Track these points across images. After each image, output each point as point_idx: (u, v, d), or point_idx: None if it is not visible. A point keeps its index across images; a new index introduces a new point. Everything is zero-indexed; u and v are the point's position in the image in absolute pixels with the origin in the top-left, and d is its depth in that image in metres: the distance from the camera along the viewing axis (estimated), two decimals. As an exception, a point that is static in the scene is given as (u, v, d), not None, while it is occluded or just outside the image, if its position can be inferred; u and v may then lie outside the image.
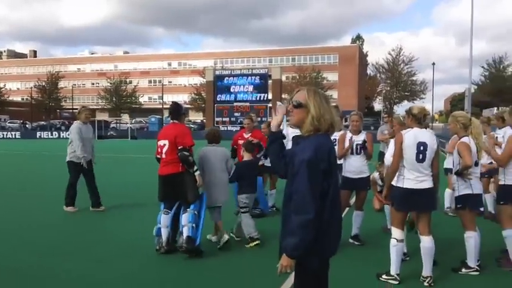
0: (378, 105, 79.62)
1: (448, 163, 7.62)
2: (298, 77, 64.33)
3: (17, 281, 4.92)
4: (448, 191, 7.93)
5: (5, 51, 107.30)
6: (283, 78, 51.80)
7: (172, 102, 6.15)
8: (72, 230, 7.25)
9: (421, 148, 4.66)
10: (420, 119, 4.77)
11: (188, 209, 5.64)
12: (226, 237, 5.92)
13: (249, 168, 6.32)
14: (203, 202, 5.83)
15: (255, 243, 6.03)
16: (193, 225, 5.59)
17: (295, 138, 2.88)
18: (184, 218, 5.59)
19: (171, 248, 5.69)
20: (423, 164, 4.67)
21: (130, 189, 11.68)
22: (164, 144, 5.67)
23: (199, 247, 5.67)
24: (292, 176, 2.51)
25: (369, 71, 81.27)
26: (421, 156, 4.65)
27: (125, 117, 65.91)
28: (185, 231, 5.55)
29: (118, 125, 56.88)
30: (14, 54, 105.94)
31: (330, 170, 2.51)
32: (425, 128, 4.90)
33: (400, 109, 65.48)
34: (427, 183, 4.71)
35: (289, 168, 2.56)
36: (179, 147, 5.58)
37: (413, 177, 4.68)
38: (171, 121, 5.87)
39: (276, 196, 8.41)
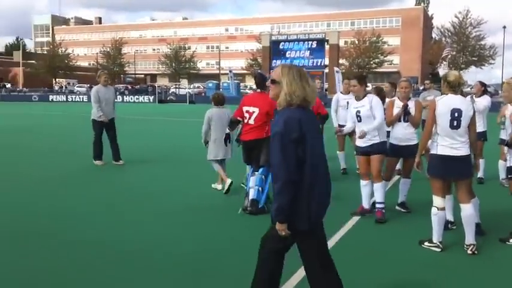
0: (442, 71, 76.13)
1: (502, 133, 7.39)
2: (357, 42, 62.54)
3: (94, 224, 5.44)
4: (501, 162, 7.72)
5: (72, 18, 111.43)
6: (341, 43, 50.59)
7: (258, 72, 6.75)
8: (131, 183, 7.79)
9: (456, 115, 4.61)
10: (455, 86, 4.70)
11: (256, 172, 6.10)
12: (229, 180, 6.84)
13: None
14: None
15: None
16: (260, 188, 6.01)
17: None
18: (252, 180, 6.06)
19: (258, 209, 5.99)
20: (458, 131, 4.63)
21: (183, 150, 12.18)
22: (253, 112, 6.10)
23: (263, 208, 5.98)
24: (270, 147, 2.79)
25: (433, 35, 77.44)
26: (455, 123, 4.61)
27: (184, 82, 67.35)
28: (251, 194, 5.96)
29: (177, 89, 58.22)
30: (81, 21, 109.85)
31: (303, 138, 2.72)
32: (462, 95, 4.85)
33: (468, 75, 62.31)
34: (463, 151, 4.66)
35: None
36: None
37: (447, 144, 4.65)
38: (257, 90, 6.34)
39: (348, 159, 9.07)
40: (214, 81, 56.80)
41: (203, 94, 53.77)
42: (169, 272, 4.23)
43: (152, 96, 50.18)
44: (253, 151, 6.17)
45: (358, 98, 5.96)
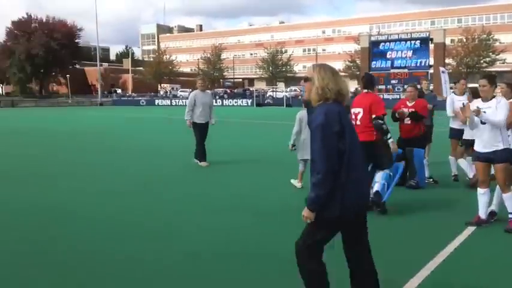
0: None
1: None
2: (465, 40, 58.60)
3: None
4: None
5: (175, 27, 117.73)
6: (447, 41, 47.65)
7: (366, 73, 6.89)
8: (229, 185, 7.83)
9: None
10: None
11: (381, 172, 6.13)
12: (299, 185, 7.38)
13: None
14: (400, 168, 6.42)
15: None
16: (385, 183, 6.08)
17: (309, 109, 3.06)
18: (379, 175, 6.09)
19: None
20: None
21: (278, 150, 12.09)
22: (359, 112, 6.15)
23: (384, 204, 5.98)
24: (311, 140, 2.85)
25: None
26: None
27: (281, 86, 67.83)
28: (376, 186, 6.02)
29: (274, 93, 58.79)
30: (183, 29, 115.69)
31: (343, 131, 2.80)
32: None
33: None
34: None
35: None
36: (373, 116, 6.04)
37: None
38: (364, 91, 6.35)
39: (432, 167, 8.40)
40: (311, 84, 56.41)
41: (300, 97, 53.66)
42: (284, 274, 3.99)
43: (250, 100, 51.12)
44: (363, 152, 6.09)
45: (485, 99, 5.49)
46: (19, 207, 6.53)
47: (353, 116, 6.23)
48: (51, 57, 70.25)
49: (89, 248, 4.80)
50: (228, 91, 64.01)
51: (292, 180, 7.72)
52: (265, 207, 6.54)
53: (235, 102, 51.95)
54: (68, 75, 68.67)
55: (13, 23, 74.22)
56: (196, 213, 6.22)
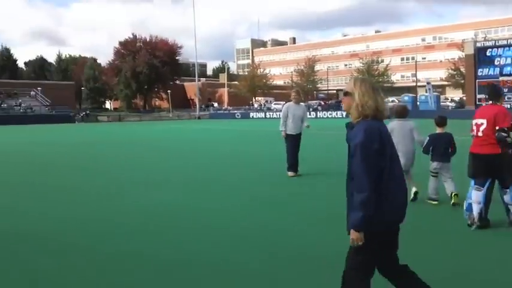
0: None
1: None
2: None
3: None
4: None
5: (269, 41, 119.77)
6: None
7: (491, 84, 6.82)
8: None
9: None
10: None
11: (508, 190, 5.69)
12: (414, 189, 6.98)
13: (440, 140, 6.95)
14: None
15: (433, 202, 6.96)
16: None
17: (349, 125, 2.96)
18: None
19: (484, 223, 5.71)
20: None
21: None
22: (481, 123, 5.83)
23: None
24: (351, 158, 2.80)
25: None
26: None
27: (377, 97, 65.54)
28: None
29: (370, 104, 56.91)
30: (277, 43, 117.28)
31: (383, 148, 2.78)
32: None
33: None
34: None
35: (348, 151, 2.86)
36: (497, 128, 5.62)
37: None
38: (490, 102, 6.03)
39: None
40: (410, 95, 53.96)
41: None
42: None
43: (345, 112, 50.01)
44: (486, 166, 5.77)
45: None
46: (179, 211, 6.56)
47: (474, 128, 5.88)
48: (154, 74, 74.74)
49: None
50: (322, 103, 63.30)
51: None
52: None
53: (330, 114, 51.16)
54: (169, 91, 72.49)
55: (120, 43, 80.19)
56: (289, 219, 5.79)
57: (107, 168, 12.39)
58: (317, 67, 79.74)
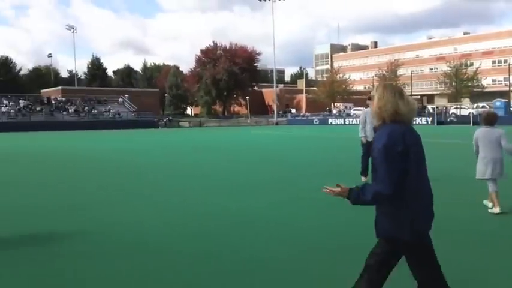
0: None
1: None
2: None
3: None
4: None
5: (349, 45, 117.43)
6: None
7: None
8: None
9: None
10: None
11: None
12: (496, 210, 6.50)
13: None
14: None
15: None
16: None
17: (374, 129, 2.90)
18: None
19: None
20: None
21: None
22: None
23: None
24: (374, 161, 2.79)
25: None
26: None
27: (466, 102, 61.69)
28: None
29: (458, 110, 53.66)
30: (357, 47, 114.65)
31: (407, 151, 2.74)
32: None
33: None
34: None
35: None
36: None
37: None
38: None
39: None
40: (503, 100, 50.00)
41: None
42: None
43: (430, 118, 47.45)
44: None
45: None
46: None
47: None
48: (233, 80, 75.98)
49: None
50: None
51: (484, 202, 7.08)
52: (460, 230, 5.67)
53: (414, 120, 48.70)
54: (247, 97, 73.25)
55: (201, 51, 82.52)
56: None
57: (223, 174, 11.84)
58: (400, 71, 76.60)
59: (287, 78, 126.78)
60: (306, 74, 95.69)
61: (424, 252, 2.82)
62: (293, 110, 77.94)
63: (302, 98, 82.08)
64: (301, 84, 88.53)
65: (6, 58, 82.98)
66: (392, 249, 2.84)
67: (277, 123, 60.01)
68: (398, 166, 2.70)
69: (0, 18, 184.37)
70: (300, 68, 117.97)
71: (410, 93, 77.01)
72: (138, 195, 8.62)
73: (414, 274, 2.85)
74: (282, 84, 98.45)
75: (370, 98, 3.03)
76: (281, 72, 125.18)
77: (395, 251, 2.85)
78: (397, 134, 2.77)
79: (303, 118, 65.12)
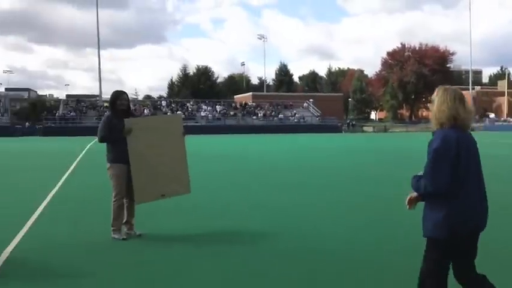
0: None
1: None
2: None
3: None
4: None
5: None
6: None
7: None
8: None
9: None
10: None
11: None
12: None
13: None
14: None
15: None
16: None
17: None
18: None
19: None
20: None
21: None
22: None
23: None
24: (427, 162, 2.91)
25: None
26: None
27: None
28: None
29: None
30: None
31: (459, 157, 2.84)
32: None
33: None
34: None
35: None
36: None
37: None
38: None
39: None
40: None
41: None
42: None
43: None
44: None
45: None
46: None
47: None
48: (421, 83, 71.59)
49: None
50: None
51: None
52: None
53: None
54: (437, 100, 68.04)
55: (388, 53, 79.76)
56: None
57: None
58: None
59: (485, 79, 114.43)
60: (508, 74, 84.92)
61: (462, 252, 2.95)
62: (491, 115, 69.72)
63: (504, 101, 72.96)
64: (502, 85, 78.80)
65: (206, 67, 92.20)
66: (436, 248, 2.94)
67: (472, 130, 54.32)
68: (446, 170, 2.83)
69: (202, 31, 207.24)
70: (501, 67, 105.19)
71: None
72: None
73: (458, 278, 3.02)
74: (479, 86, 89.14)
75: (430, 102, 3.04)
76: (478, 73, 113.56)
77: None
78: (451, 139, 2.87)
79: (503, 124, 57.69)
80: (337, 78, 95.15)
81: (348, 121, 64.90)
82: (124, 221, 5.72)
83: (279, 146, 26.80)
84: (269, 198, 8.59)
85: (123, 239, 5.58)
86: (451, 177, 2.81)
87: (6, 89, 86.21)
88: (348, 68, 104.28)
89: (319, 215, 7.08)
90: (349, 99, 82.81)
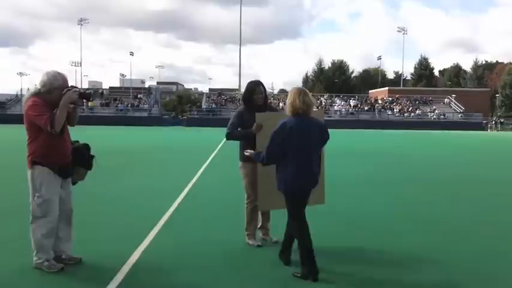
0: None
1: None
2: None
3: None
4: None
5: None
6: None
7: None
8: None
9: None
10: None
11: None
12: None
13: None
14: None
15: None
16: None
17: None
18: None
19: None
20: None
21: None
22: None
23: None
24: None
25: None
26: None
27: None
28: None
29: None
30: None
31: (289, 137, 4.03)
32: None
33: None
34: None
35: None
36: None
37: None
38: None
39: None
40: None
41: None
42: None
43: None
44: None
45: None
46: None
47: None
48: None
49: None
50: None
51: None
52: None
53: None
54: None
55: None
56: None
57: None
58: None
59: None
60: None
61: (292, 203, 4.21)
62: None
63: None
64: None
65: (341, 62, 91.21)
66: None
67: None
68: (276, 147, 4.07)
69: (338, 25, 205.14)
70: None
71: None
72: None
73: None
74: None
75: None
76: None
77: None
78: (287, 125, 4.04)
79: None
80: (483, 72, 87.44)
81: (495, 118, 59.44)
82: (259, 226, 5.21)
83: (443, 147, 25.26)
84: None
85: (258, 245, 5.01)
86: (280, 152, 4.05)
87: (158, 83, 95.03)
88: (497, 61, 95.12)
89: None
90: (497, 95, 75.56)
